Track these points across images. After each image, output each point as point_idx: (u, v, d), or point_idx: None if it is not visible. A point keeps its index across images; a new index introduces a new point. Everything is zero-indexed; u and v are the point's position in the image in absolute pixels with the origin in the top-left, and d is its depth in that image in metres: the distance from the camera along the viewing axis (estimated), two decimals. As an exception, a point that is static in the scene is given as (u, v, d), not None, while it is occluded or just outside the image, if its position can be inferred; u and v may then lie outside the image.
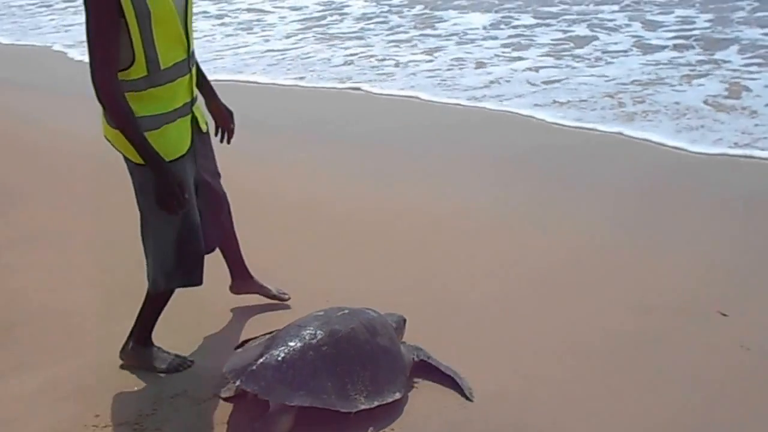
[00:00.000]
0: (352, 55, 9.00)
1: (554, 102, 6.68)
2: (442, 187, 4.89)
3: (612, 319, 3.33)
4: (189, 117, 2.76)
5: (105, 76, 2.47)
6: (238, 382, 2.54)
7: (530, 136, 5.97)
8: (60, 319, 3.30)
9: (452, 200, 4.65)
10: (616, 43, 8.59)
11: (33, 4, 15.16)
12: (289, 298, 3.46)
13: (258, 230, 4.05)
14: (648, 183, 4.87)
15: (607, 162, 5.31)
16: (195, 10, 2.89)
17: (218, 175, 3.06)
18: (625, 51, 8.26)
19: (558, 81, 7.33)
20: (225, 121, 3.09)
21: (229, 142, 3.13)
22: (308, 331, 2.69)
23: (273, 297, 3.44)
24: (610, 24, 9.45)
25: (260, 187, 4.77)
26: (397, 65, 8.33)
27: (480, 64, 8.13)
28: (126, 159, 2.69)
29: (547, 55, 8.34)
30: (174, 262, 2.79)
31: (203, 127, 2.87)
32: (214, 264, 3.22)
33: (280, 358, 2.59)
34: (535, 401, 2.78)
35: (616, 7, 10.19)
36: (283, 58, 9.17)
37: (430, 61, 8.50)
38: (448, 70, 8.02)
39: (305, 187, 4.97)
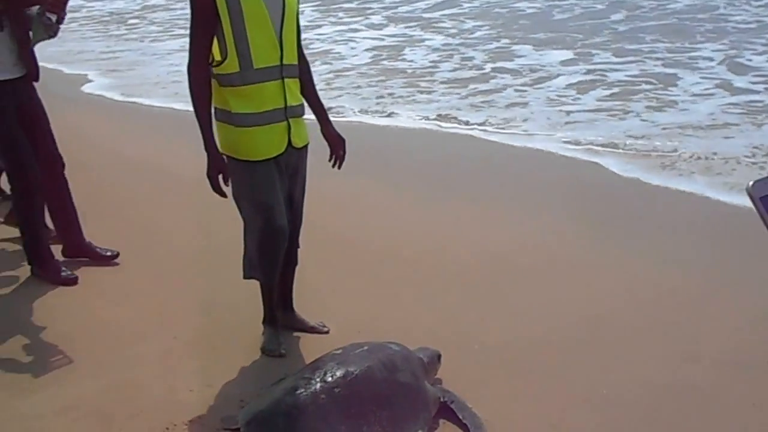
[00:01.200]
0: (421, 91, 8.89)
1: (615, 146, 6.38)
2: (495, 223, 4.71)
3: (655, 370, 3.05)
4: (283, 125, 2.92)
5: (192, 63, 2.81)
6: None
7: (588, 178, 5.72)
8: (91, 335, 3.30)
9: (505, 237, 4.45)
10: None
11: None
12: (328, 331, 3.36)
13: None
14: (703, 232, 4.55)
15: (664, 211, 5.01)
16: None
17: (302, 199, 3.16)
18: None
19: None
20: (336, 147, 3.20)
21: (339, 167, 3.23)
22: (321, 374, 2.55)
23: (311, 329, 3.37)
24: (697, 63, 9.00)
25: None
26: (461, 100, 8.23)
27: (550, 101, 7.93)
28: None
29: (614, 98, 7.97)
30: (257, 257, 3.01)
31: (296, 143, 2.98)
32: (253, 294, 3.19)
33: (290, 405, 2.45)
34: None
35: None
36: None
37: (497, 92, 8.37)
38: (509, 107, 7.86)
39: (348, 217, 4.89)
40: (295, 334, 3.32)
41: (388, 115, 7.74)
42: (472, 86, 8.75)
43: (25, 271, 3.94)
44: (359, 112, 7.92)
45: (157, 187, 5.34)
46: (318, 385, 2.52)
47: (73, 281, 3.83)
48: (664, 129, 6.73)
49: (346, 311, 3.53)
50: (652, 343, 3.25)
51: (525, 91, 8.47)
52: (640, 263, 4.07)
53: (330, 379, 2.54)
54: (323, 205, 4.99)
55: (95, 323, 3.40)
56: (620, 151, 6.25)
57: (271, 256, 3.01)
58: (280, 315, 3.30)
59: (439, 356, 2.97)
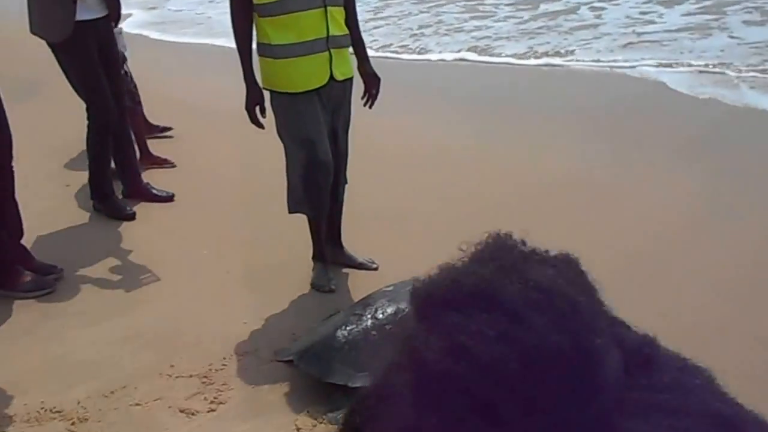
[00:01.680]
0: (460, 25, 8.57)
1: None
2: (554, 150, 4.61)
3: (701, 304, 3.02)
4: (324, 56, 2.83)
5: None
6: (302, 365, 2.50)
7: (651, 98, 5.55)
8: (150, 268, 3.40)
9: (564, 163, 4.36)
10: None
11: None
12: (377, 267, 3.36)
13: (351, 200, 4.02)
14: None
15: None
16: None
17: (346, 131, 3.10)
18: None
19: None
20: (370, 85, 3.11)
21: (371, 106, 3.15)
22: (373, 310, 2.58)
23: (360, 266, 3.37)
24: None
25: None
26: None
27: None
28: None
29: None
30: (301, 192, 2.98)
31: (337, 75, 2.89)
32: (301, 229, 3.21)
33: (343, 340, 2.49)
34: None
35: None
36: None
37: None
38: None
39: (406, 146, 4.85)
40: (345, 270, 3.37)
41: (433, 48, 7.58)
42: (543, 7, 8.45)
43: (86, 207, 4.09)
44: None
45: (201, 124, 5.39)
46: (369, 322, 2.54)
47: (131, 216, 3.94)
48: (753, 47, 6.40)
49: (396, 249, 3.51)
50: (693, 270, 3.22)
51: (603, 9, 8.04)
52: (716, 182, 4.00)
53: (381, 315, 2.56)
54: (373, 141, 5.00)
55: (152, 258, 3.52)
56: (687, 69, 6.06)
57: (316, 190, 2.97)
58: (329, 251, 3.29)
59: None
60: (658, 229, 3.59)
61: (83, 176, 4.04)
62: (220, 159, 4.73)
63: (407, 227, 3.76)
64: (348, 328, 2.56)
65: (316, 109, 2.87)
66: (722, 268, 3.21)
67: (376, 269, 3.37)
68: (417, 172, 4.43)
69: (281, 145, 3.03)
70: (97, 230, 3.85)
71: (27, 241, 3.36)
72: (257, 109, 2.94)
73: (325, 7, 2.78)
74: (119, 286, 3.28)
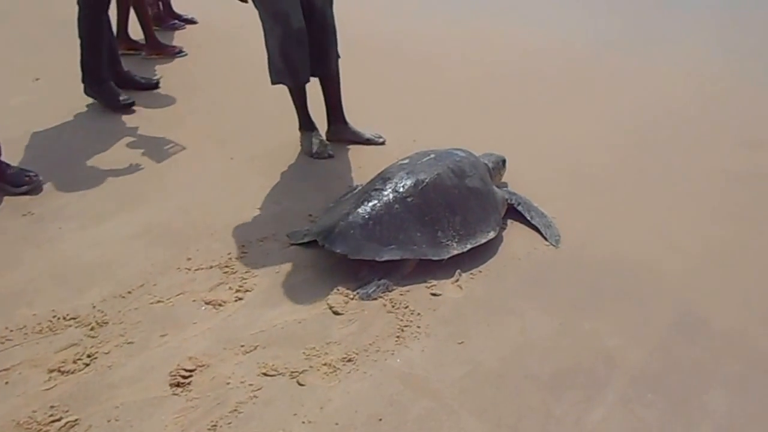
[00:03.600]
0: None
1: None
2: (543, 23, 4.23)
3: (722, 156, 2.82)
4: None
5: None
6: (326, 245, 2.23)
7: None
8: (152, 166, 3.00)
9: (562, 43, 4.00)
10: None
11: None
12: (384, 142, 3.12)
13: (346, 71, 3.64)
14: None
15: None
16: None
17: (329, 4, 2.88)
18: None
19: None
20: None
21: None
22: (393, 184, 2.32)
23: (367, 141, 3.12)
24: None
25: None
26: None
27: None
28: None
29: None
30: (281, 63, 2.85)
31: None
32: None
33: (366, 216, 2.25)
34: (626, 239, 2.40)
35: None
36: None
37: None
38: None
39: (391, 27, 4.40)
40: (354, 149, 3.05)
41: None
42: None
43: (64, 100, 3.57)
44: None
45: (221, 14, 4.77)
46: (391, 195, 2.31)
47: (127, 107, 3.45)
48: None
49: (399, 122, 3.24)
50: (723, 135, 3.00)
51: None
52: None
53: (402, 188, 2.32)
54: (366, 16, 4.52)
55: (151, 147, 3.12)
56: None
57: (295, 58, 2.83)
58: (333, 129, 3.09)
59: (504, 161, 2.73)
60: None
61: (54, 68, 3.51)
62: (208, 49, 4.23)
63: (404, 99, 3.45)
64: (370, 203, 2.29)
65: None
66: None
67: (383, 143, 3.12)
68: (412, 43, 4.03)
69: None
70: (81, 125, 3.36)
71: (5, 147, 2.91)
72: None
73: None
74: (116, 183, 2.86)
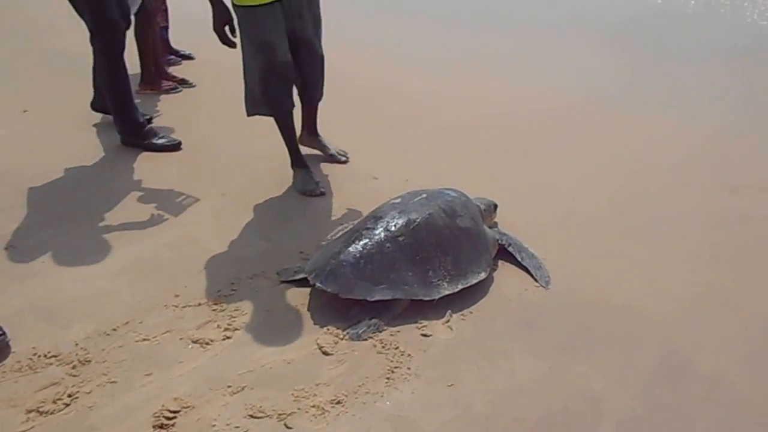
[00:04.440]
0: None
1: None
2: (536, 72, 4.32)
3: (707, 201, 2.87)
4: None
5: None
6: (317, 283, 2.22)
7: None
8: (138, 198, 3.00)
9: (546, 85, 4.08)
10: None
11: None
12: (347, 161, 3.26)
13: (343, 110, 3.68)
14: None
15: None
16: None
17: (317, 35, 2.95)
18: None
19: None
20: None
21: None
22: (384, 223, 2.33)
23: (330, 156, 3.28)
24: None
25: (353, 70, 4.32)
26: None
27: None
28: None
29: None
30: (259, 93, 2.85)
31: None
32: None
33: (357, 255, 2.25)
34: (615, 282, 2.42)
35: None
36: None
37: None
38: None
39: (388, 68, 4.47)
40: (348, 187, 3.08)
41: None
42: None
43: (50, 132, 3.55)
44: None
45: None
46: (382, 234, 2.31)
47: (177, 146, 3.42)
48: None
49: (392, 162, 3.28)
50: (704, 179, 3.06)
51: None
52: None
53: (394, 228, 2.33)
54: (363, 57, 4.59)
55: (138, 185, 3.11)
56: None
57: (276, 88, 2.84)
58: (304, 137, 3.24)
59: (496, 206, 2.76)
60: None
61: (42, 100, 3.50)
62: (200, 87, 4.26)
63: (402, 141, 3.49)
64: (362, 242, 2.29)
65: (278, 16, 2.74)
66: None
67: (345, 162, 3.28)
68: (414, 87, 4.10)
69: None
70: (69, 158, 3.33)
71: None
72: (227, 28, 2.69)
73: None
74: (104, 217, 2.84)
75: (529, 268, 2.50)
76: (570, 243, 2.69)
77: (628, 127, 3.66)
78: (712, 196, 3.02)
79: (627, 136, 3.57)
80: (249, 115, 2.96)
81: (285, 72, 2.81)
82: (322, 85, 3.06)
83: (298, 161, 3.08)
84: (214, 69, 4.46)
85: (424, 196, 2.49)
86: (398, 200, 2.49)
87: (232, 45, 2.74)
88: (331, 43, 3.11)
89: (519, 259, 2.54)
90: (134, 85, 4.04)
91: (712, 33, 4.89)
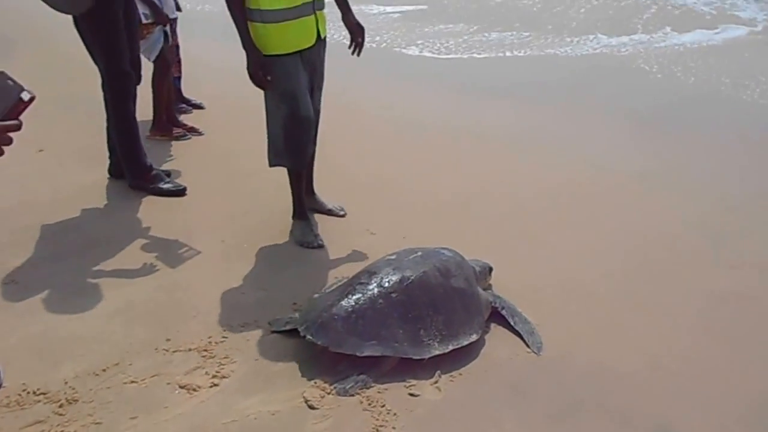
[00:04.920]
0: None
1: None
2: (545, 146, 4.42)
3: (706, 275, 2.90)
4: (312, 18, 2.85)
5: None
6: (308, 335, 2.25)
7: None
8: (140, 240, 3.07)
9: (551, 156, 4.17)
10: None
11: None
12: (344, 215, 3.34)
13: (343, 167, 3.78)
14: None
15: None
16: None
17: (320, 89, 3.06)
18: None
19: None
20: (356, 34, 3.06)
21: (358, 54, 3.09)
22: (378, 279, 2.37)
23: (328, 211, 3.35)
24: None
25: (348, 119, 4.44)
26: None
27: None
28: None
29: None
30: (282, 145, 2.93)
31: (322, 34, 2.94)
32: (288, 197, 2.93)
33: (349, 309, 2.28)
34: (608, 352, 2.42)
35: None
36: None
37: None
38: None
39: (391, 127, 4.60)
40: (345, 241, 3.13)
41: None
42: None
43: (60, 173, 3.66)
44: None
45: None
46: (375, 290, 2.35)
47: (182, 192, 3.52)
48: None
49: (390, 219, 3.34)
50: (703, 259, 3.10)
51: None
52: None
53: (387, 284, 2.37)
54: (367, 114, 4.73)
55: (142, 228, 3.19)
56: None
57: (298, 143, 2.93)
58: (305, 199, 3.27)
59: (491, 269, 2.79)
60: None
61: (58, 139, 3.63)
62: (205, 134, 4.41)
63: (401, 200, 3.56)
64: (354, 297, 2.33)
65: (299, 67, 2.88)
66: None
67: (343, 216, 3.35)
68: (417, 151, 4.20)
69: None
70: (78, 199, 3.43)
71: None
72: (261, 70, 2.82)
73: None
74: (104, 258, 2.90)
75: (522, 333, 2.52)
76: (565, 310, 2.70)
77: (628, 199, 3.72)
78: (711, 270, 3.05)
79: (627, 207, 3.62)
80: (271, 165, 3.04)
81: (307, 125, 2.91)
82: (315, 141, 3.19)
83: (300, 212, 3.16)
84: (222, 120, 4.61)
85: (420, 254, 2.54)
86: (393, 257, 2.54)
87: (267, 87, 2.86)
88: (331, 102, 3.24)
89: (512, 323, 2.56)
90: (145, 131, 4.20)
91: (714, 109, 5.01)
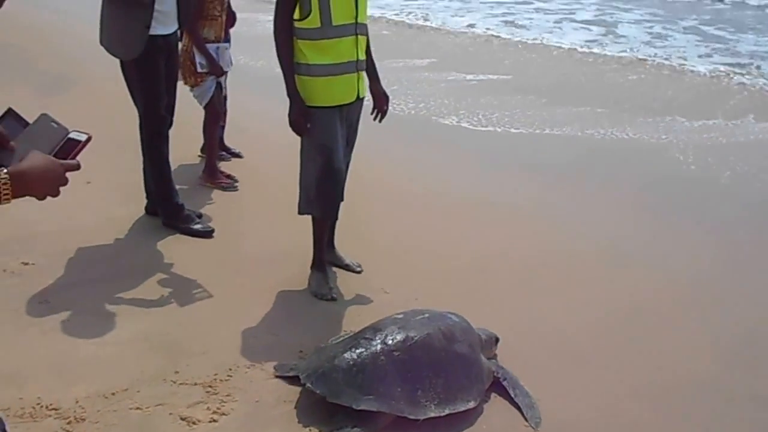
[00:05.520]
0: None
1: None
2: (559, 217, 4.53)
3: (698, 362, 2.90)
4: (354, 76, 3.04)
5: (278, 19, 2.97)
6: (309, 384, 2.36)
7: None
8: (164, 275, 3.28)
9: (563, 233, 4.27)
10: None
11: None
12: (361, 271, 3.47)
13: (362, 220, 3.94)
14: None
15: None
16: None
17: (352, 146, 3.26)
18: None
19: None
20: (381, 103, 3.29)
21: (380, 121, 3.32)
22: (382, 336, 2.47)
23: (346, 266, 3.49)
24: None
25: (379, 178, 4.63)
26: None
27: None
28: None
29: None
30: (314, 194, 3.09)
31: (361, 93, 3.12)
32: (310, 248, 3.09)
33: (350, 362, 2.38)
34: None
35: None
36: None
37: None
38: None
39: (417, 181, 4.77)
40: (358, 296, 3.27)
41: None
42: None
43: (104, 206, 3.93)
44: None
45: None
46: (378, 347, 2.44)
47: (209, 233, 3.74)
48: None
49: (405, 281, 3.44)
50: (698, 336, 3.10)
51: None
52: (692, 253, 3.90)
53: (390, 341, 2.46)
54: (395, 182, 4.92)
55: (168, 263, 3.40)
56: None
57: (329, 194, 3.10)
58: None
59: (497, 339, 2.85)
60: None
61: (106, 173, 3.91)
62: (236, 173, 4.67)
63: (418, 263, 3.68)
64: (357, 350, 2.44)
65: (337, 122, 3.05)
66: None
67: (359, 272, 3.47)
68: (438, 217, 4.35)
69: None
70: (110, 231, 3.69)
71: (43, 237, 3.23)
72: (303, 119, 3.03)
73: (356, 35, 3.02)
74: (130, 288, 3.11)
75: (521, 406, 2.56)
76: (569, 390, 2.71)
77: (638, 277, 3.74)
78: (702, 352, 3.02)
79: (637, 287, 3.63)
80: (300, 213, 3.17)
81: (339, 179, 3.08)
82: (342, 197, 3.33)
83: (319, 263, 3.31)
84: (257, 170, 4.85)
85: (427, 316, 2.64)
86: (401, 316, 2.64)
87: (305, 135, 3.04)
88: (360, 161, 3.43)
89: (512, 395, 2.61)
90: (183, 174, 4.47)
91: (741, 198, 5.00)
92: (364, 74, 3.15)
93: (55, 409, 2.26)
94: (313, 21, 2.91)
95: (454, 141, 5.94)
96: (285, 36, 2.98)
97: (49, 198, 1.26)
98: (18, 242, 3.33)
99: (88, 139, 1.30)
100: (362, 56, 3.08)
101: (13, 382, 2.37)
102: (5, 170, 1.18)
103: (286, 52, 2.99)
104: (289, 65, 2.99)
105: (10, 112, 1.34)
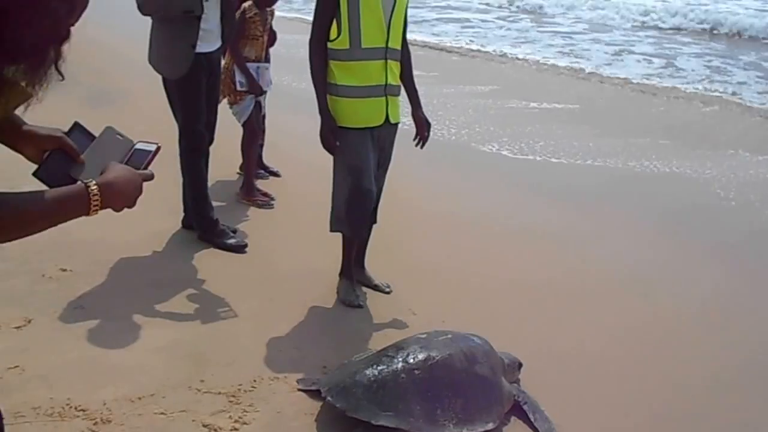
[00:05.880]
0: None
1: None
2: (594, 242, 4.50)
3: (723, 390, 2.84)
4: (381, 100, 3.11)
5: (313, 40, 3.08)
6: (329, 397, 2.41)
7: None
8: (196, 287, 3.37)
9: (599, 257, 4.24)
10: None
11: None
12: (390, 292, 3.52)
13: (395, 240, 3.99)
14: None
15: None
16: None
17: (385, 169, 3.33)
18: None
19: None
20: (422, 129, 3.37)
21: (422, 147, 3.41)
22: (404, 354, 2.51)
23: (375, 287, 3.53)
24: None
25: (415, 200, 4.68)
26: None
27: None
28: None
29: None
30: (344, 213, 3.18)
31: (391, 119, 3.17)
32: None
33: (372, 378, 2.43)
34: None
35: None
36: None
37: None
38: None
39: (449, 213, 4.80)
40: (385, 316, 3.30)
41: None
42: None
43: (138, 217, 4.06)
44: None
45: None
46: (399, 364, 2.48)
47: (242, 248, 3.82)
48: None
49: (433, 303, 3.47)
50: (714, 359, 3.04)
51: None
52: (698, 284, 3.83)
53: (412, 360, 2.49)
54: (423, 204, 4.97)
55: (201, 276, 3.50)
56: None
57: (358, 214, 3.17)
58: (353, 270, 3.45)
59: (520, 364, 2.85)
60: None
61: (146, 186, 4.03)
62: (283, 202, 4.80)
63: (447, 284, 3.71)
64: (379, 367, 2.48)
65: (368, 144, 3.12)
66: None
67: (389, 293, 3.51)
68: (470, 241, 4.37)
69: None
70: (148, 242, 3.82)
71: (81, 245, 3.36)
72: (332, 136, 3.12)
73: (386, 60, 3.08)
74: (163, 298, 3.22)
75: (541, 431, 2.55)
76: (591, 419, 2.70)
77: (666, 306, 3.68)
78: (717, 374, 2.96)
79: (665, 316, 3.58)
80: (331, 231, 3.27)
81: (368, 199, 3.15)
82: (375, 218, 3.42)
83: (347, 271, 3.38)
84: (293, 189, 4.96)
85: (450, 336, 2.66)
86: (424, 335, 2.67)
87: (335, 151, 3.13)
88: (395, 185, 3.49)
89: (532, 419, 2.60)
90: (222, 190, 4.60)
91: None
92: (396, 99, 3.20)
93: (83, 410, 2.35)
94: (343, 42, 3.01)
95: (492, 168, 5.96)
96: (319, 54, 3.09)
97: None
98: (58, 249, 3.47)
99: (158, 149, 1.30)
100: (393, 81, 3.14)
101: (45, 382, 2.48)
102: (94, 182, 1.17)
103: (319, 69, 3.09)
104: (322, 83, 3.09)
105: (77, 126, 1.33)
